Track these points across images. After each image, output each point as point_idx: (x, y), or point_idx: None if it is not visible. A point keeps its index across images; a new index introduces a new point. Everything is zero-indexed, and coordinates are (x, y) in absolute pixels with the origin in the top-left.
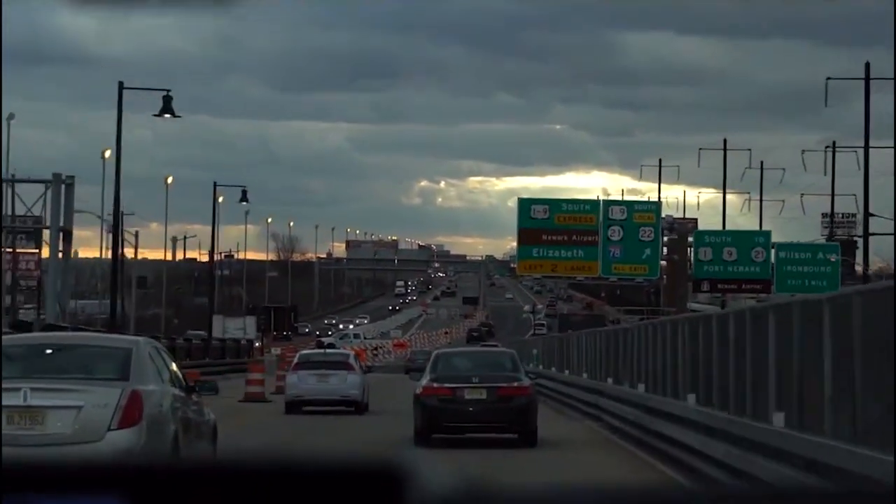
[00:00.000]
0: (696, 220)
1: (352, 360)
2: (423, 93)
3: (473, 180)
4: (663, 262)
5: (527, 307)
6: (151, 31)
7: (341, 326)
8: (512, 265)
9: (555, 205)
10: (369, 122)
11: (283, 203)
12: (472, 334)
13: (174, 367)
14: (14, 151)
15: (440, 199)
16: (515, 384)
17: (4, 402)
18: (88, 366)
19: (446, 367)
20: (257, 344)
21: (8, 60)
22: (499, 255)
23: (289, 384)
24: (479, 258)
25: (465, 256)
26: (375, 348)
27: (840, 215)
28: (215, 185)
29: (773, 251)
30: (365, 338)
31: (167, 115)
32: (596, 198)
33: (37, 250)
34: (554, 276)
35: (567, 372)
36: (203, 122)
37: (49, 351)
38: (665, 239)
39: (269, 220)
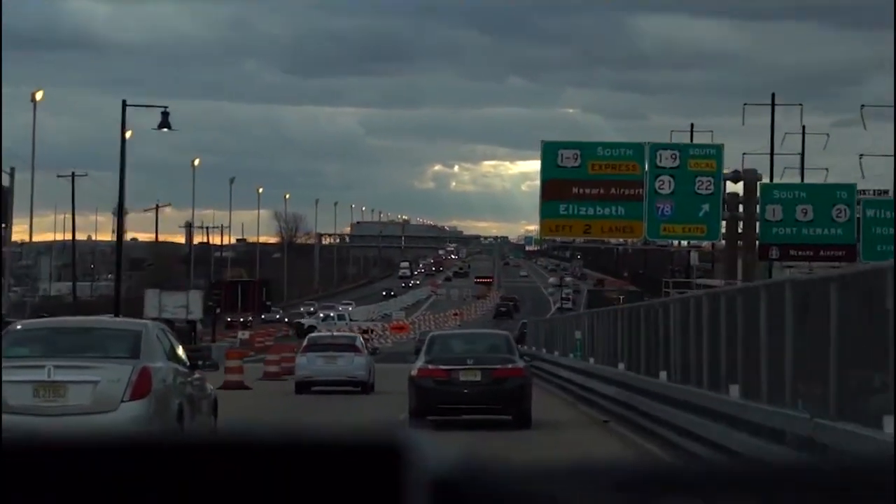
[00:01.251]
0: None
1: (358, 343)
2: (436, 76)
3: (487, 164)
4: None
5: (552, 279)
6: (164, 15)
7: (321, 315)
8: (527, 248)
9: (588, 149)
10: (382, 106)
11: (295, 187)
12: (500, 309)
13: (179, 347)
14: (23, 136)
15: (454, 184)
16: (510, 366)
17: (31, 378)
18: (104, 345)
19: (441, 349)
20: (200, 327)
21: (20, 45)
22: (513, 239)
23: (298, 365)
24: (494, 238)
25: (478, 237)
26: (366, 331)
27: (872, 191)
28: (124, 103)
29: (857, 209)
30: (352, 319)
31: (165, 129)
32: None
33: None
34: (588, 239)
35: (664, 375)
36: (216, 107)
37: (69, 333)
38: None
39: (260, 189)
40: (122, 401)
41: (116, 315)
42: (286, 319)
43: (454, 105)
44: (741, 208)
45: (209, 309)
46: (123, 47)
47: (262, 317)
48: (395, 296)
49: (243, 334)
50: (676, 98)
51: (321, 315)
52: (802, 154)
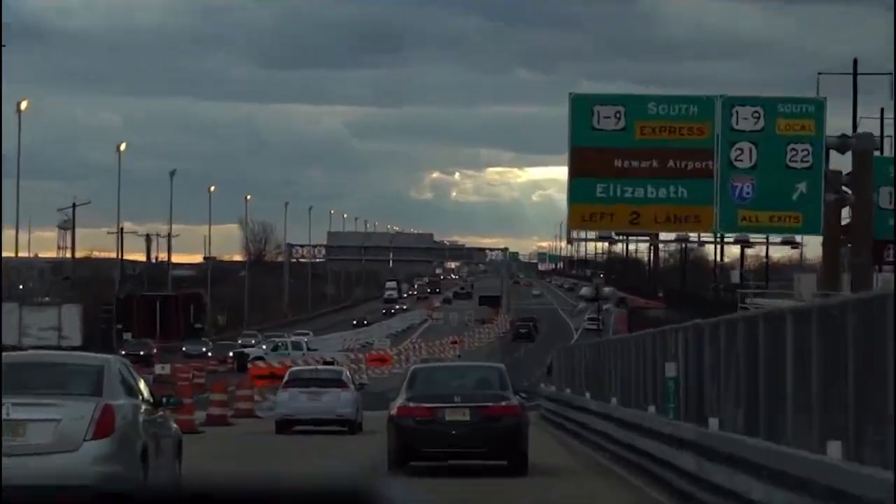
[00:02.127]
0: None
1: (345, 378)
2: (434, 70)
3: (492, 171)
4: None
5: (584, 290)
6: (120, 1)
7: (264, 346)
8: (540, 266)
9: (635, 105)
10: (371, 104)
11: (270, 198)
12: (520, 331)
13: (142, 383)
14: None
15: (454, 193)
16: (503, 403)
17: None
18: (65, 382)
19: (425, 385)
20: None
21: None
22: (523, 257)
23: (279, 402)
24: (501, 250)
25: (483, 250)
26: (327, 363)
27: None
28: None
29: None
30: (309, 349)
31: None
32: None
33: None
34: (634, 232)
35: None
36: (180, 105)
37: (27, 368)
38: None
39: (212, 188)
40: (85, 440)
41: None
42: (209, 354)
43: (454, 103)
44: (845, 190)
45: (106, 333)
46: (77, 37)
47: (184, 349)
48: (367, 325)
49: (162, 368)
50: (707, 92)
51: (264, 347)
52: (882, 133)
